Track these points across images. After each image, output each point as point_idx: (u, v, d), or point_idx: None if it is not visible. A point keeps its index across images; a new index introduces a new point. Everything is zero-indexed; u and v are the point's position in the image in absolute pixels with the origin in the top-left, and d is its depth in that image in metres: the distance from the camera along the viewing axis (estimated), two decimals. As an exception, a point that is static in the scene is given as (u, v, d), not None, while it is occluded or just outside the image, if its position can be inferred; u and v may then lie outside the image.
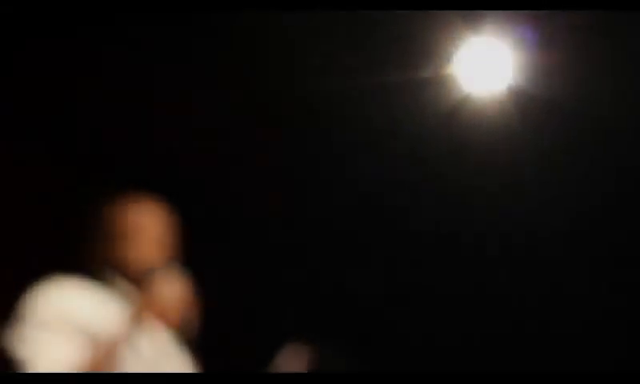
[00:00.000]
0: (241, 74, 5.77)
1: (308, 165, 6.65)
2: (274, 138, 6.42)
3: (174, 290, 2.56)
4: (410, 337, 7.15)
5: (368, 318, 7.16)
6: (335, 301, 7.02)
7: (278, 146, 6.43)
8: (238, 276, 6.73)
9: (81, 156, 5.57)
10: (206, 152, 6.24)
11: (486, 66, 5.62)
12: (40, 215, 5.14)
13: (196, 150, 6.18)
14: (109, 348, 2.45)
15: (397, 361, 6.27)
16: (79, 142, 5.61)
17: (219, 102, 5.96)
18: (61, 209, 5.17)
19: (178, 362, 2.66)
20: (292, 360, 2.49)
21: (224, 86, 5.88)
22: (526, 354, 7.04)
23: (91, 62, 5.35)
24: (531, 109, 5.86)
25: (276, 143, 6.46)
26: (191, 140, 6.11)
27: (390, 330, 7.18)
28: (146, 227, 2.68)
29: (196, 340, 2.61)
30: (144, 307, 2.52)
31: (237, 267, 6.76)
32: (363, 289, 7.21)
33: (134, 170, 5.71)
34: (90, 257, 2.71)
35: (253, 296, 6.82)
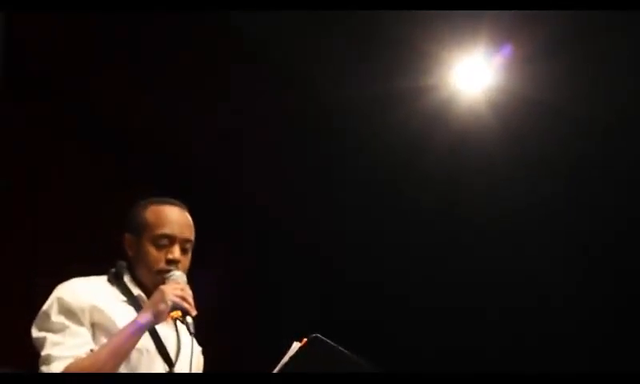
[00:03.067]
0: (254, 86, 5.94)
1: (319, 168, 6.82)
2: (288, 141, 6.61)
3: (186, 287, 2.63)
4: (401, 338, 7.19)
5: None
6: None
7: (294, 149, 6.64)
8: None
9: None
10: (228, 155, 6.37)
11: (478, 75, 5.99)
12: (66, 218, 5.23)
13: (218, 153, 6.30)
14: (127, 335, 2.52)
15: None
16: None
17: (240, 112, 6.13)
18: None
19: (187, 353, 2.72)
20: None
21: (240, 95, 6.04)
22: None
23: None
24: (519, 111, 6.08)
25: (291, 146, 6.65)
26: (214, 145, 6.24)
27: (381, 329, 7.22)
28: (166, 225, 2.70)
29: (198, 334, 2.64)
30: (166, 294, 2.56)
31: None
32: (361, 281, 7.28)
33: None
34: (112, 254, 2.79)
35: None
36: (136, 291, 2.71)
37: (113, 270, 2.75)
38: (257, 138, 6.48)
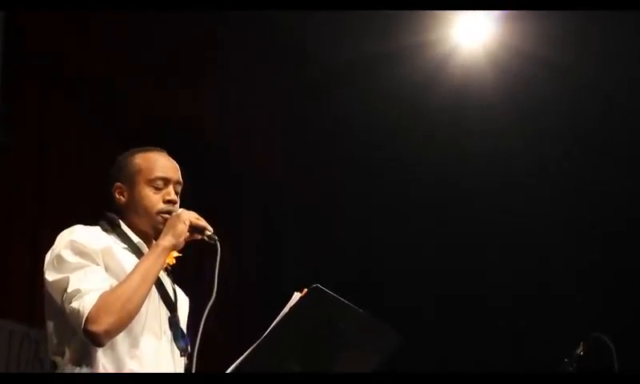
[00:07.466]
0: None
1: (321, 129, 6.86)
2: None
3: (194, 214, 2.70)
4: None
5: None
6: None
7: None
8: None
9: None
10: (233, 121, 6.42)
11: (478, 30, 6.02)
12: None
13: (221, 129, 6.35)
14: (153, 258, 2.58)
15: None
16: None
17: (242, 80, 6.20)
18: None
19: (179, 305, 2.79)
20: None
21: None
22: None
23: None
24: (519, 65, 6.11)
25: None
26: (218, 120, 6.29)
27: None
28: (160, 168, 2.74)
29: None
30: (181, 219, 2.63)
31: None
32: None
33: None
34: (109, 204, 2.77)
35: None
36: (135, 239, 2.73)
37: (103, 220, 2.75)
38: (259, 106, 6.54)
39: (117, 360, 2.57)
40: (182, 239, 2.64)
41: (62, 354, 2.59)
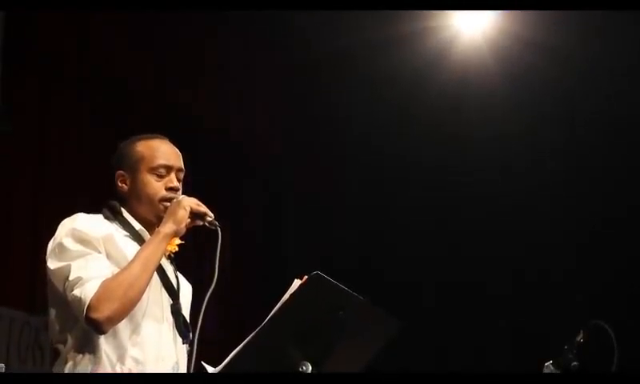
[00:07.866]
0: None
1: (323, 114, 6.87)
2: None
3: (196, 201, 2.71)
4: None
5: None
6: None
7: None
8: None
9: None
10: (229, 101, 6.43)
11: (478, 16, 6.01)
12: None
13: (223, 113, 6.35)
14: (154, 245, 2.60)
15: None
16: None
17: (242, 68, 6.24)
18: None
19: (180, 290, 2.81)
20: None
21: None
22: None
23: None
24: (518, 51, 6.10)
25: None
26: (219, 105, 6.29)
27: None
28: (162, 156, 2.74)
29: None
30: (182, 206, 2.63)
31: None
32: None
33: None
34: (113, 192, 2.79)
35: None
36: (137, 226, 2.74)
37: (105, 208, 2.77)
38: (260, 95, 6.54)
39: (119, 347, 2.59)
40: (182, 225, 2.65)
41: (64, 342, 2.61)
